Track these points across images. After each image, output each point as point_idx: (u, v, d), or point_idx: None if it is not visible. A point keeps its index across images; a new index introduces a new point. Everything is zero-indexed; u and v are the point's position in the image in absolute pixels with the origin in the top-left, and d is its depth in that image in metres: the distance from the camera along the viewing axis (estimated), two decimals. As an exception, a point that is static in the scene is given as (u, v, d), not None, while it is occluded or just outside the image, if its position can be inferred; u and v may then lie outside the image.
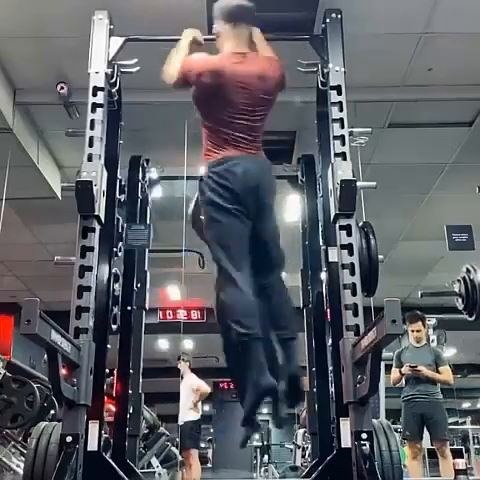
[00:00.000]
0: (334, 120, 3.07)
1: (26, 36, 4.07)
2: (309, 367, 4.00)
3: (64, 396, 2.43)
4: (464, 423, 12.92)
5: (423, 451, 6.10)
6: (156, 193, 4.91)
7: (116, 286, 3.51)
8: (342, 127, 3.05)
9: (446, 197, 6.29)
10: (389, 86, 4.60)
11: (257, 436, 12.93)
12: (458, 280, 5.11)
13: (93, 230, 2.86)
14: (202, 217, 2.87)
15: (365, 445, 2.46)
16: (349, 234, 2.86)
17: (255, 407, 2.61)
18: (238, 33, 2.98)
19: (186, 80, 2.91)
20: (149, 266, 4.28)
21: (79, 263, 2.80)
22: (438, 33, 4.09)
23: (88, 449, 2.76)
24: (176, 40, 3.66)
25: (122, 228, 3.64)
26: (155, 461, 7.81)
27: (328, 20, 3.31)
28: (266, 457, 10.76)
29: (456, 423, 12.46)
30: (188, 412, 7.11)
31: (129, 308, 3.85)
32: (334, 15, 3.31)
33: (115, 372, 3.78)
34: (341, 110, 3.08)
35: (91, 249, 2.83)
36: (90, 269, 2.80)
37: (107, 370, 3.15)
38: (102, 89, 3.14)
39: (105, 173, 2.99)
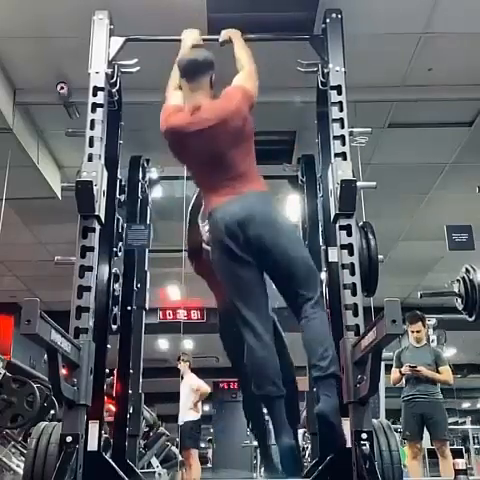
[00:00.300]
0: (334, 120, 3.07)
1: (26, 36, 4.07)
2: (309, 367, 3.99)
3: (64, 396, 2.43)
4: (464, 423, 12.91)
5: (423, 451, 6.11)
6: (156, 193, 4.91)
7: (116, 286, 3.51)
8: (342, 127, 3.05)
9: (446, 197, 6.29)
10: (389, 86, 4.60)
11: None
12: (458, 280, 5.12)
13: (93, 230, 2.86)
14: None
15: (365, 445, 2.46)
16: (349, 234, 2.86)
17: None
18: (193, 87, 2.94)
19: None
20: (149, 266, 4.28)
21: (79, 263, 2.80)
22: (438, 33, 4.09)
23: (88, 449, 2.75)
24: (176, 40, 3.67)
25: (122, 228, 3.64)
26: (155, 461, 7.82)
27: (328, 20, 3.30)
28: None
29: (456, 423, 12.45)
30: (188, 412, 7.11)
31: (129, 308, 3.85)
32: (334, 15, 3.31)
33: (115, 372, 3.78)
34: (341, 110, 3.08)
35: (91, 249, 2.83)
36: (90, 269, 2.80)
37: (107, 370, 3.15)
38: (102, 89, 3.14)
39: (105, 173, 2.99)
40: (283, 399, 2.67)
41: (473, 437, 12.15)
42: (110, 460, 2.99)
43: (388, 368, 5.80)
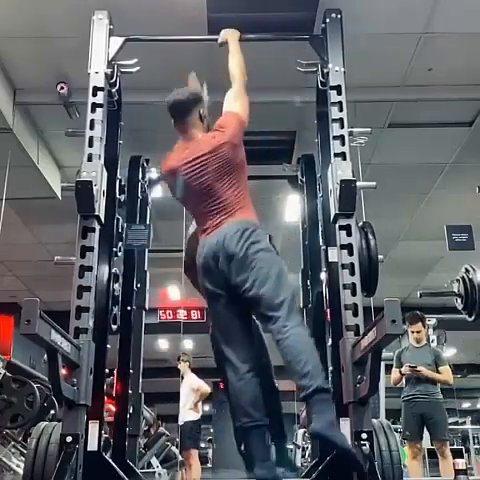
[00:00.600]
0: (334, 120, 3.08)
1: (26, 36, 4.07)
2: (309, 367, 3.99)
3: (64, 396, 2.43)
4: (464, 423, 12.92)
5: (423, 451, 6.10)
6: (156, 193, 4.91)
7: (116, 286, 3.51)
8: (342, 127, 3.05)
9: (446, 197, 6.29)
10: (389, 86, 4.60)
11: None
12: (457, 280, 5.12)
13: (93, 230, 2.87)
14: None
15: (365, 445, 2.46)
16: (349, 234, 2.86)
17: None
18: (180, 127, 2.91)
19: None
20: (149, 266, 4.28)
21: (79, 263, 2.80)
22: (438, 33, 4.09)
23: (88, 449, 2.76)
24: (176, 40, 3.68)
25: (122, 228, 3.64)
26: (155, 461, 7.81)
27: (328, 20, 3.31)
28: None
29: (456, 423, 12.46)
30: (188, 412, 7.11)
31: (129, 308, 3.85)
32: (334, 15, 3.31)
33: (115, 372, 3.78)
34: (341, 110, 3.08)
35: (91, 249, 2.83)
36: (90, 269, 2.80)
37: (107, 370, 3.15)
38: (102, 89, 3.14)
39: (105, 173, 2.99)
40: (261, 428, 2.55)
41: (473, 437, 12.15)
42: (110, 460, 2.99)
43: (388, 368, 5.79)
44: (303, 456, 9.14)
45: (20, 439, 5.55)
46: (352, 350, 2.58)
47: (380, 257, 3.21)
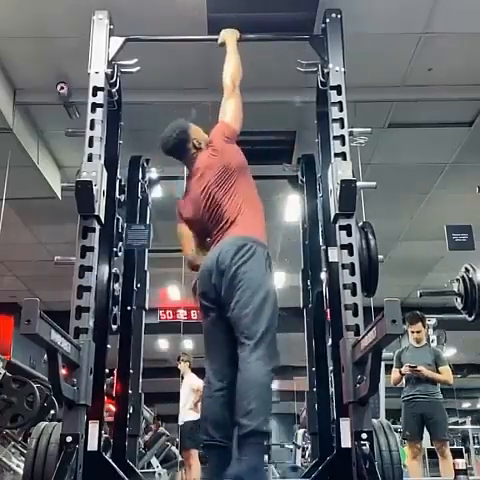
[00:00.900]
0: (334, 120, 3.07)
1: (26, 36, 4.07)
2: (309, 367, 4.01)
3: (64, 396, 2.43)
4: (464, 423, 12.91)
5: (423, 451, 6.10)
6: (156, 193, 4.91)
7: (116, 286, 3.51)
8: (342, 127, 3.05)
9: (446, 197, 6.29)
10: (389, 86, 4.60)
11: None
12: (457, 279, 5.12)
13: (93, 230, 2.86)
14: None
15: (365, 445, 2.46)
16: (349, 234, 2.86)
17: None
18: (183, 162, 2.92)
19: None
20: (149, 266, 4.28)
21: (79, 263, 2.80)
22: (438, 33, 4.09)
23: (88, 449, 2.76)
24: (176, 40, 3.68)
25: (122, 228, 3.64)
26: (155, 461, 7.82)
27: (328, 20, 3.30)
28: (266, 457, 10.75)
29: (456, 423, 12.45)
30: (188, 412, 7.10)
31: (129, 308, 3.86)
32: (334, 15, 3.31)
33: (115, 372, 3.78)
34: (341, 110, 3.08)
35: (91, 249, 2.83)
36: (90, 269, 2.80)
37: (107, 370, 3.15)
38: (102, 89, 3.14)
39: (105, 173, 2.99)
40: (218, 449, 2.46)
41: (473, 437, 12.14)
42: (110, 460, 2.99)
43: (388, 368, 5.79)
44: (303, 456, 9.15)
45: (20, 439, 5.55)
46: (352, 350, 2.58)
47: (380, 257, 3.21)
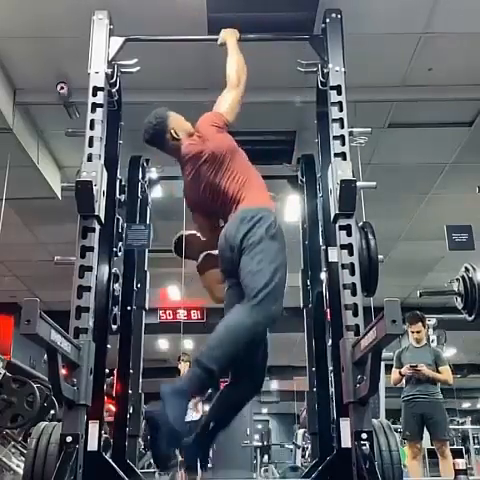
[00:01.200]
0: (334, 120, 3.07)
1: (26, 36, 4.07)
2: (309, 367, 4.00)
3: (64, 396, 2.43)
4: (464, 423, 12.91)
5: (423, 451, 6.10)
6: (156, 193, 4.91)
7: (116, 286, 3.51)
8: (342, 127, 3.05)
9: (446, 197, 6.29)
10: (389, 86, 4.60)
11: (257, 436, 12.92)
12: (457, 279, 5.12)
13: (93, 230, 2.86)
14: None
15: (365, 445, 2.45)
16: (349, 234, 2.86)
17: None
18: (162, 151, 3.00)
19: None
20: (149, 266, 4.28)
21: (79, 263, 2.80)
22: (438, 33, 4.09)
23: (88, 449, 2.76)
24: (176, 40, 3.68)
25: (122, 228, 3.64)
26: (155, 461, 7.80)
27: (328, 20, 3.30)
28: (266, 457, 10.75)
29: (456, 423, 12.45)
30: (188, 412, 7.11)
31: (129, 308, 3.85)
32: (334, 15, 3.31)
33: (115, 372, 3.78)
34: (341, 110, 3.08)
35: (91, 249, 2.83)
36: (90, 269, 2.80)
37: (107, 370, 3.15)
38: (102, 89, 3.14)
39: (105, 173, 2.99)
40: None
41: (473, 437, 12.14)
42: (110, 460, 2.99)
43: (388, 368, 5.79)
44: (303, 456, 9.15)
45: (20, 439, 5.55)
46: (352, 350, 2.58)
47: (380, 257, 3.21)
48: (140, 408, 4.00)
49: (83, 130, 3.06)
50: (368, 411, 2.53)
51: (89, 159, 2.97)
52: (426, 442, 5.80)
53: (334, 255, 3.05)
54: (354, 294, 2.75)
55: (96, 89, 3.13)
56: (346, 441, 2.75)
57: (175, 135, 2.89)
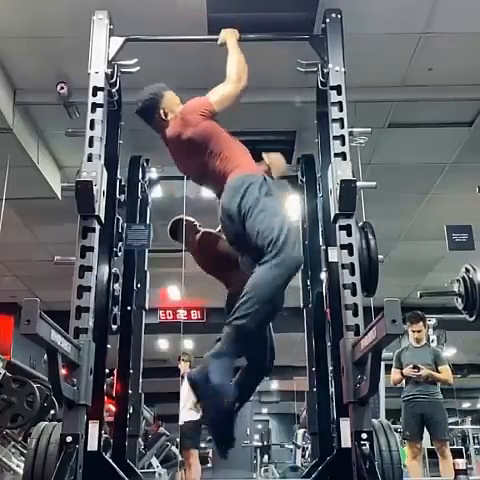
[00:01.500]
0: (334, 120, 3.07)
1: (26, 36, 4.07)
2: (309, 367, 4.00)
3: (64, 396, 2.43)
4: (464, 423, 12.92)
5: (423, 451, 6.10)
6: (156, 193, 4.91)
7: (116, 286, 3.51)
8: (342, 127, 3.05)
9: (446, 197, 6.29)
10: (389, 86, 4.60)
11: (257, 436, 12.93)
12: (457, 280, 5.12)
13: (93, 230, 2.86)
14: None
15: (365, 445, 2.45)
16: (349, 234, 2.86)
17: None
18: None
19: None
20: (149, 266, 4.28)
21: (79, 263, 2.80)
22: (438, 33, 4.09)
23: (88, 449, 2.76)
24: (176, 40, 3.67)
25: (122, 228, 3.64)
26: (155, 461, 7.82)
27: (328, 20, 3.30)
28: (266, 457, 10.77)
29: (456, 423, 12.45)
30: (188, 412, 7.10)
31: (129, 308, 3.85)
32: (334, 15, 3.30)
33: (115, 372, 3.78)
34: (341, 110, 3.08)
35: (91, 249, 2.83)
36: (90, 269, 2.80)
37: (107, 370, 3.15)
38: (102, 89, 3.14)
39: (105, 173, 2.99)
40: None
41: (473, 437, 12.14)
42: (110, 460, 2.99)
43: (388, 368, 5.79)
44: (303, 456, 9.16)
45: (20, 439, 5.55)
46: (352, 350, 2.58)
47: (380, 257, 3.21)
48: (140, 408, 4.00)
49: (83, 130, 3.06)
50: (368, 411, 2.53)
51: (89, 159, 2.97)
52: (426, 442, 5.81)
53: (334, 255, 3.05)
54: (354, 294, 2.75)
55: (96, 89, 3.13)
56: (346, 441, 2.75)
57: (163, 116, 3.00)
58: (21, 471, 3.45)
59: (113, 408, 3.85)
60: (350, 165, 2.94)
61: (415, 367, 5.40)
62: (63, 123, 4.33)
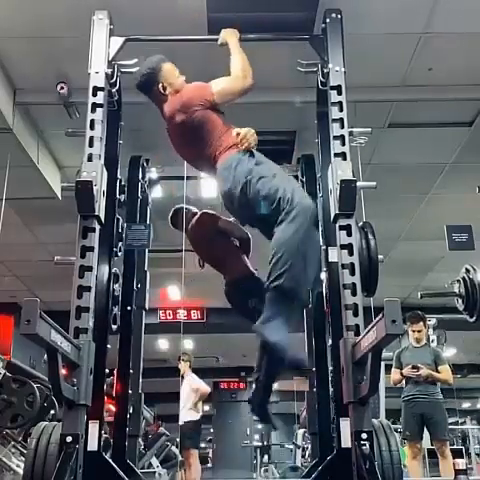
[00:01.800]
0: (334, 120, 3.07)
1: (26, 36, 4.07)
2: (309, 367, 4.00)
3: (64, 396, 2.43)
4: (464, 423, 12.92)
5: (423, 451, 6.10)
6: (156, 193, 4.91)
7: (116, 286, 3.51)
8: (342, 127, 3.05)
9: (446, 197, 6.29)
10: (389, 86, 4.60)
11: (257, 436, 12.92)
12: (458, 280, 5.11)
13: (93, 230, 2.86)
14: None
15: (365, 445, 2.45)
16: (349, 234, 2.86)
17: None
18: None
19: None
20: (149, 266, 4.28)
21: (79, 263, 2.80)
22: (438, 33, 4.09)
23: (88, 449, 2.76)
24: (176, 40, 3.67)
25: (122, 228, 3.64)
26: (155, 461, 7.82)
27: (328, 20, 3.30)
28: (266, 457, 10.76)
29: (456, 423, 12.45)
30: (188, 412, 7.11)
31: (129, 308, 3.85)
32: (334, 15, 3.30)
33: (115, 372, 3.78)
34: (341, 110, 3.08)
35: (91, 249, 2.83)
36: (90, 269, 2.80)
37: (107, 370, 3.15)
38: (102, 89, 3.14)
39: (105, 173, 2.99)
40: None
41: (473, 437, 12.14)
42: (110, 460, 2.99)
43: (388, 368, 5.79)
44: (303, 456, 9.15)
45: (20, 439, 5.55)
46: (352, 350, 2.58)
47: (380, 257, 3.21)
48: (140, 408, 4.00)
49: (83, 130, 3.06)
50: (368, 411, 2.53)
51: (89, 159, 2.97)
52: (426, 442, 5.81)
53: (334, 255, 3.05)
54: (354, 294, 2.75)
55: (96, 89, 3.13)
56: (346, 441, 2.75)
57: (162, 90, 3.06)
58: (21, 471, 3.45)
59: (113, 408, 3.85)
60: (350, 165, 2.94)
61: (414, 367, 5.40)
62: (63, 123, 4.33)
